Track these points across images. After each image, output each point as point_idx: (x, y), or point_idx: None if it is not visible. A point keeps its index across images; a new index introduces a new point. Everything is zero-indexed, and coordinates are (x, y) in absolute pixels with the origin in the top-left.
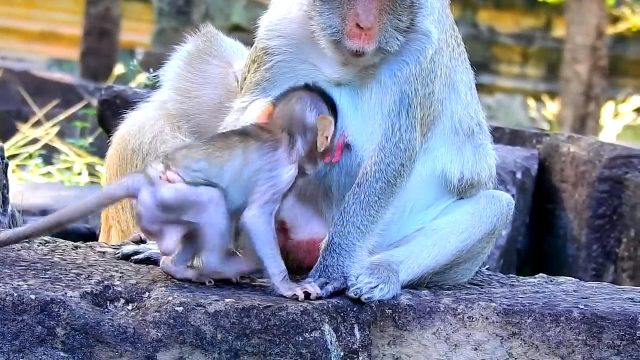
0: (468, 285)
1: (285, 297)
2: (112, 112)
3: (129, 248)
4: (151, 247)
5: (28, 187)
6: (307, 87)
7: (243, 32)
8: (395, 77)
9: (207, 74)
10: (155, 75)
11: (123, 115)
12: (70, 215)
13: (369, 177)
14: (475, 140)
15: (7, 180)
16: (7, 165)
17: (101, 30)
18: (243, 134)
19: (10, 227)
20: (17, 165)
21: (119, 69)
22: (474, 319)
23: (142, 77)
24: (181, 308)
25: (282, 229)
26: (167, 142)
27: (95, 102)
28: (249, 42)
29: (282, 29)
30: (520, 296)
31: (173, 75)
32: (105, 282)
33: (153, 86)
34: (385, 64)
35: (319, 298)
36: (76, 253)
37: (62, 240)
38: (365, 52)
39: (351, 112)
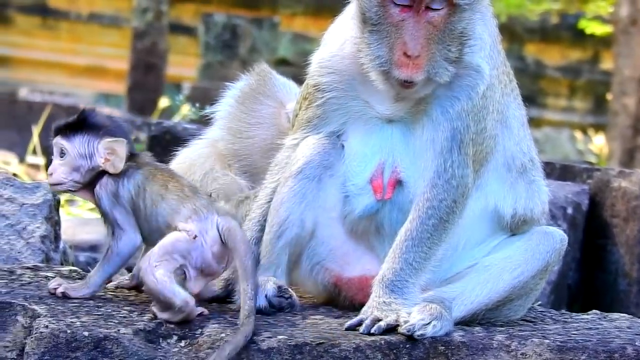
0: (521, 322)
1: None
2: (161, 147)
3: None
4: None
5: (77, 222)
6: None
7: (289, 66)
8: (447, 113)
9: (260, 114)
10: (202, 109)
11: (172, 151)
12: None
13: (422, 213)
14: (528, 176)
15: (58, 217)
16: (58, 202)
17: (147, 64)
18: None
19: (62, 264)
20: (66, 201)
21: (163, 102)
22: (527, 356)
23: (187, 111)
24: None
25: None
26: (217, 179)
27: (142, 136)
28: (295, 76)
29: (333, 65)
30: (574, 333)
31: (225, 114)
32: (158, 319)
33: (200, 121)
34: (437, 100)
35: (371, 334)
36: (129, 290)
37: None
38: (414, 82)
39: (403, 149)
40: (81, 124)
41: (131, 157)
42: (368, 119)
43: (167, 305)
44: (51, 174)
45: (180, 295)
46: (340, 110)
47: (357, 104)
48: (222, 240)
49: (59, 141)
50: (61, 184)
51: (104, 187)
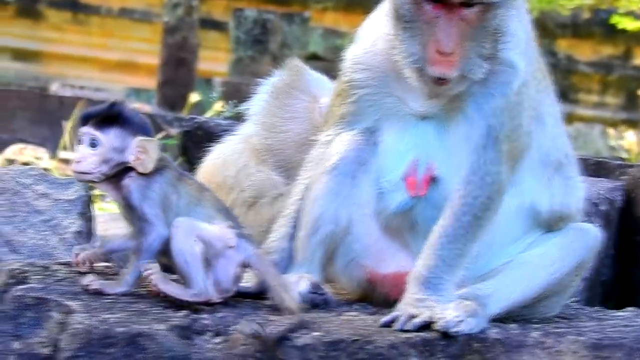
0: (556, 319)
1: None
2: (193, 143)
3: None
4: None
5: (109, 217)
6: None
7: (320, 61)
8: (482, 110)
9: (294, 109)
10: (235, 105)
11: (205, 147)
12: None
13: (457, 210)
14: (564, 172)
15: (92, 213)
16: (92, 197)
17: (178, 59)
18: None
19: None
20: (98, 195)
21: (194, 97)
22: (562, 353)
23: (219, 106)
24: (269, 342)
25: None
26: (251, 175)
27: (173, 131)
28: (325, 71)
29: (367, 61)
30: (610, 330)
31: (259, 109)
32: (193, 315)
33: (233, 116)
34: (471, 97)
35: (405, 331)
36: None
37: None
38: (448, 79)
39: (437, 145)
40: (115, 117)
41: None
42: (402, 116)
43: (187, 282)
44: (79, 162)
45: (204, 283)
46: (374, 106)
47: (391, 101)
48: (245, 265)
49: (91, 131)
50: (88, 173)
51: (134, 181)
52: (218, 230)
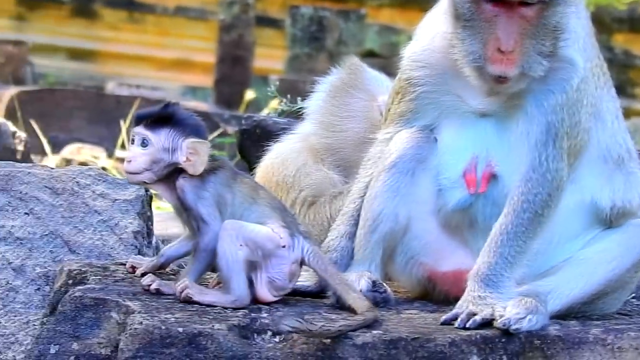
0: (617, 315)
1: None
2: (251, 141)
3: None
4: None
5: (167, 217)
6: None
7: (376, 58)
8: (542, 107)
9: (352, 108)
10: (293, 103)
11: (263, 145)
12: None
13: (517, 207)
14: (626, 168)
15: (151, 212)
16: (151, 197)
17: (234, 57)
18: None
19: None
20: (155, 195)
21: (250, 95)
22: (623, 350)
23: (275, 104)
24: (328, 340)
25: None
26: (310, 174)
27: (230, 129)
28: (382, 68)
29: (425, 59)
30: None
31: (317, 108)
32: (253, 314)
33: (291, 114)
34: (531, 94)
35: (466, 329)
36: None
37: (209, 273)
38: (508, 77)
39: (498, 143)
40: (168, 118)
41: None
42: (461, 113)
43: (226, 287)
44: (130, 161)
45: (243, 290)
46: (433, 104)
47: (450, 98)
48: (302, 262)
49: (143, 131)
50: (139, 173)
51: (188, 181)
52: (268, 231)
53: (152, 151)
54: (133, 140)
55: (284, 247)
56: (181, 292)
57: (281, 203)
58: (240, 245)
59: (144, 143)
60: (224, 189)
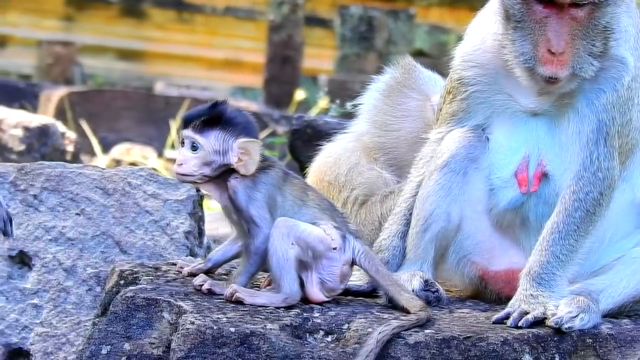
0: None
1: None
2: (302, 141)
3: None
4: (350, 279)
5: (218, 217)
6: None
7: (426, 58)
8: (593, 105)
9: (405, 107)
10: (343, 105)
11: (314, 145)
12: None
13: (568, 206)
14: None
15: (202, 212)
16: (202, 197)
17: (284, 57)
18: None
19: None
20: (206, 195)
21: (300, 95)
22: None
23: (324, 104)
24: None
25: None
26: (362, 173)
27: (279, 129)
28: (431, 67)
29: (476, 59)
30: None
31: (370, 107)
32: (305, 314)
33: (341, 114)
34: (582, 93)
35: (518, 328)
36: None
37: (260, 273)
38: (559, 78)
39: (549, 141)
40: (217, 118)
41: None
42: (512, 113)
43: (276, 285)
44: (181, 165)
45: (293, 287)
46: (485, 103)
47: (501, 98)
48: (354, 263)
49: (192, 135)
50: (190, 175)
51: (240, 182)
52: (320, 232)
53: (202, 155)
54: (183, 142)
55: (335, 249)
56: (231, 297)
57: (330, 203)
58: (292, 243)
59: (194, 147)
60: (275, 190)
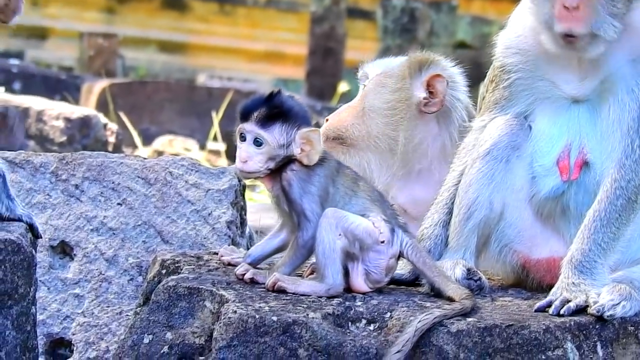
0: None
1: None
2: None
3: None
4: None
5: (261, 208)
6: None
7: (468, 49)
8: (632, 92)
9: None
10: None
11: None
12: None
13: (609, 194)
14: None
15: (244, 202)
16: (244, 187)
17: (326, 49)
18: None
19: (247, 249)
20: (248, 186)
21: (343, 87)
22: None
23: None
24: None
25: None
26: None
27: (322, 121)
28: (473, 59)
29: (517, 45)
30: None
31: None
32: (347, 303)
33: None
34: (622, 80)
35: (560, 316)
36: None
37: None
38: (575, 35)
39: (590, 129)
40: (277, 111)
41: None
42: (555, 100)
43: (320, 274)
44: (245, 162)
45: (337, 278)
46: (527, 90)
47: (544, 84)
48: (401, 256)
49: (255, 129)
50: (257, 172)
51: (296, 175)
52: (369, 225)
53: (268, 150)
54: (243, 137)
55: (383, 242)
56: (273, 285)
57: (381, 195)
58: (340, 234)
59: (258, 142)
60: (328, 181)
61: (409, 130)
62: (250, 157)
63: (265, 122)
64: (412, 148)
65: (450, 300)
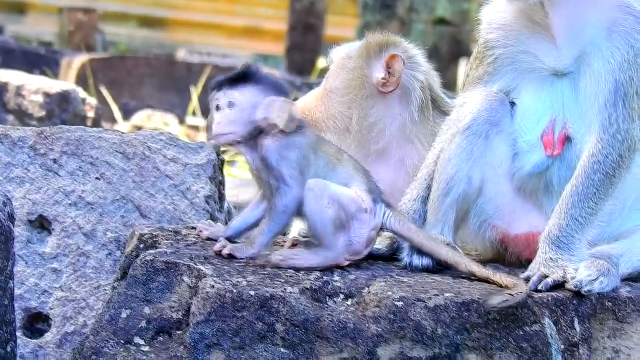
0: None
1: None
2: None
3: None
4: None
5: (239, 183)
6: None
7: (448, 26)
8: (609, 64)
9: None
10: None
11: None
12: None
13: (587, 169)
14: None
15: (223, 177)
16: (223, 161)
17: (306, 25)
18: None
19: (226, 224)
20: (227, 162)
21: (323, 63)
22: None
23: None
24: (401, 303)
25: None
26: None
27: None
28: (453, 36)
29: (500, 20)
30: None
31: None
32: (325, 278)
33: None
34: (598, 51)
35: (538, 291)
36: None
37: (280, 237)
38: None
39: (573, 103)
40: (251, 77)
41: None
42: (539, 75)
43: (321, 244)
44: (219, 124)
45: (339, 246)
46: (510, 66)
47: (526, 58)
48: (383, 229)
49: (228, 91)
50: (226, 134)
51: (275, 141)
52: (352, 193)
53: (239, 110)
54: (218, 106)
55: (366, 210)
56: (276, 265)
57: (364, 168)
58: (328, 204)
59: (231, 103)
60: (309, 149)
61: (364, 109)
62: (222, 118)
63: (237, 83)
64: (367, 128)
65: (444, 261)
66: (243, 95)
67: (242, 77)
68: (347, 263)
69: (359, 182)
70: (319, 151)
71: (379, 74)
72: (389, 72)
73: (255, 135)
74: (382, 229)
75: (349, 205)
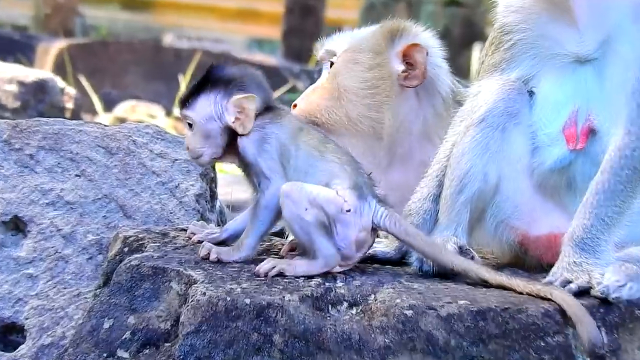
0: None
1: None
2: None
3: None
4: (377, 246)
5: (233, 180)
6: None
7: (460, 7)
8: (637, 49)
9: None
10: None
11: None
12: None
13: (614, 164)
14: None
15: (214, 174)
16: None
17: (305, 7)
18: None
19: (218, 225)
20: None
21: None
22: None
23: None
24: (411, 312)
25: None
26: None
27: (300, 85)
28: (465, 18)
29: (517, 2)
30: None
31: None
32: (327, 284)
33: None
34: (625, 36)
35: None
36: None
37: (277, 239)
38: None
39: (597, 93)
40: (199, 85)
41: (271, 109)
42: (560, 62)
43: (310, 252)
44: (187, 148)
45: (329, 248)
46: (529, 52)
47: (547, 44)
48: (377, 229)
49: (183, 112)
50: (199, 156)
51: (250, 137)
52: (330, 193)
53: (199, 129)
54: (187, 126)
55: (348, 211)
56: (265, 274)
57: (354, 160)
58: (306, 208)
59: (190, 125)
60: (288, 140)
61: (392, 109)
62: (191, 143)
63: (188, 101)
64: (397, 129)
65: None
66: (196, 111)
67: (197, 88)
68: (339, 270)
69: (342, 179)
70: (299, 141)
71: (397, 66)
72: (407, 63)
73: (232, 138)
74: (377, 229)
75: (327, 206)
